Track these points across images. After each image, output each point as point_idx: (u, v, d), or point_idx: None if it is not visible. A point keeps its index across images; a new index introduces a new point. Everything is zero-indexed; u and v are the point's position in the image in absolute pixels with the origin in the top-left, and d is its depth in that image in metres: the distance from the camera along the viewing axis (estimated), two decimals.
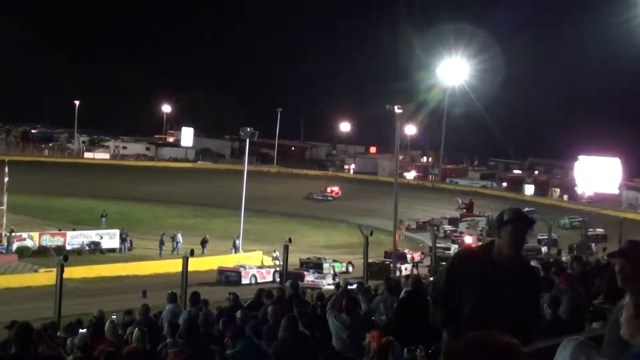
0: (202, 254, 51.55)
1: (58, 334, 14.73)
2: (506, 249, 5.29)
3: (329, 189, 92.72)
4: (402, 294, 12.09)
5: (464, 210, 79.42)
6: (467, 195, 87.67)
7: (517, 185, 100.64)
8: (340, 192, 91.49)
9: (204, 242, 55.02)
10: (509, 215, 5.32)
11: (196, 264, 37.42)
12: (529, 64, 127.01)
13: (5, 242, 50.79)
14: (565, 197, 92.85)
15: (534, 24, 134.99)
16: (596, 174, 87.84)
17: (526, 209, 79.62)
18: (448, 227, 70.45)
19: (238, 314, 12.67)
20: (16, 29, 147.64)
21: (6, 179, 53.06)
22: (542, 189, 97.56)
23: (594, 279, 12.73)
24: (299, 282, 21.37)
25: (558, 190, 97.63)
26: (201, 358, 7.06)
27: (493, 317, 5.21)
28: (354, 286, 14.50)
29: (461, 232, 67.71)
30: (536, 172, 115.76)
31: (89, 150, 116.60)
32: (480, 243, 41.81)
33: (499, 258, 5.32)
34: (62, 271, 20.71)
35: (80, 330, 15.76)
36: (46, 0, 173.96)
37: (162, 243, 54.48)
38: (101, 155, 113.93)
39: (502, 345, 2.53)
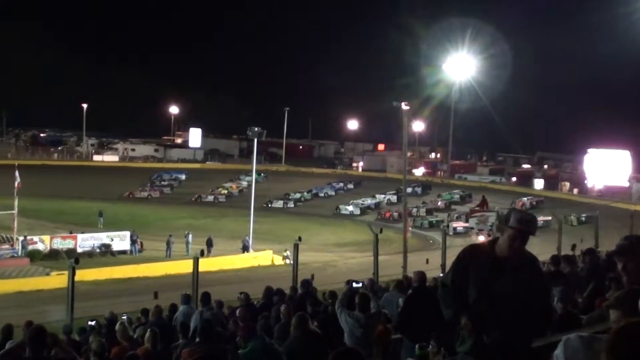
0: (209, 254, 51.61)
1: (71, 336, 14.77)
2: (505, 249, 5.48)
3: None
4: (409, 290, 12.14)
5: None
6: (477, 190, 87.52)
7: (526, 179, 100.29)
8: None
9: (209, 243, 55.04)
10: (513, 220, 5.50)
11: (207, 265, 37.48)
12: (537, 58, 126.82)
13: (18, 247, 50.97)
14: (575, 190, 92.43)
15: (541, 18, 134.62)
16: (606, 167, 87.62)
17: (527, 198, 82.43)
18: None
19: (237, 312, 12.80)
20: (24, 33, 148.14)
21: (16, 183, 53.26)
22: (552, 183, 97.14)
23: (607, 272, 12.65)
24: None
25: (568, 184, 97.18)
26: (214, 357, 7.08)
27: (495, 307, 5.40)
28: (359, 284, 14.52)
29: (472, 228, 67.84)
30: (545, 166, 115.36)
31: (97, 153, 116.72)
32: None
33: (501, 254, 5.50)
34: (73, 274, 20.73)
35: (89, 323, 15.88)
36: (54, 4, 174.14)
37: (169, 244, 54.54)
38: (110, 158, 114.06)
39: None
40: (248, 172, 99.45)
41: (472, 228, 67.80)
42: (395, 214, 78.29)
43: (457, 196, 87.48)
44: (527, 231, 5.53)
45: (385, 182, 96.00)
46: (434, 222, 74.76)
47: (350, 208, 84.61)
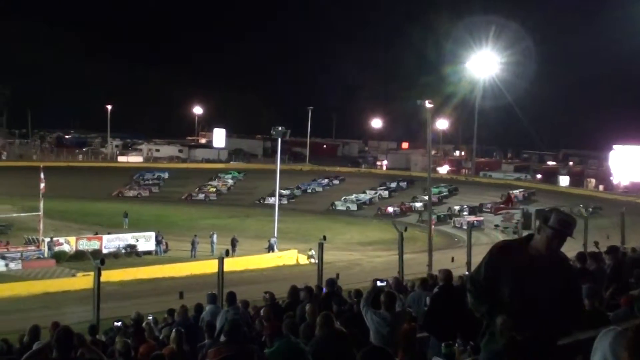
0: (233, 254, 51.65)
1: (97, 337, 14.85)
2: (542, 249, 5.47)
3: None
4: (435, 289, 12.08)
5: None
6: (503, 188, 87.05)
7: (551, 176, 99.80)
8: None
9: (233, 242, 55.10)
10: (553, 221, 5.48)
11: (232, 265, 37.56)
12: (561, 55, 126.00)
13: (44, 248, 51.33)
14: (601, 187, 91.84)
15: (565, 14, 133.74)
16: (631, 163, 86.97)
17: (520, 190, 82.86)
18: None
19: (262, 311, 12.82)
20: (48, 35, 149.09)
21: (42, 185, 53.66)
22: (577, 180, 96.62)
23: (632, 269, 12.53)
24: None
25: (593, 180, 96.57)
26: (240, 357, 7.09)
27: (529, 306, 5.38)
28: (384, 283, 14.48)
29: (496, 225, 67.66)
30: (570, 163, 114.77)
31: (122, 154, 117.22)
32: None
33: (535, 252, 5.48)
34: (99, 275, 20.84)
35: (115, 323, 15.96)
36: (78, 6, 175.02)
37: (194, 244, 54.73)
38: (134, 159, 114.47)
39: None
40: (228, 171, 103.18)
41: (496, 225, 67.53)
42: (397, 209, 79.56)
43: (446, 190, 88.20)
44: (567, 232, 5.53)
45: (368, 178, 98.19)
46: (442, 216, 74.92)
47: (347, 204, 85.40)
